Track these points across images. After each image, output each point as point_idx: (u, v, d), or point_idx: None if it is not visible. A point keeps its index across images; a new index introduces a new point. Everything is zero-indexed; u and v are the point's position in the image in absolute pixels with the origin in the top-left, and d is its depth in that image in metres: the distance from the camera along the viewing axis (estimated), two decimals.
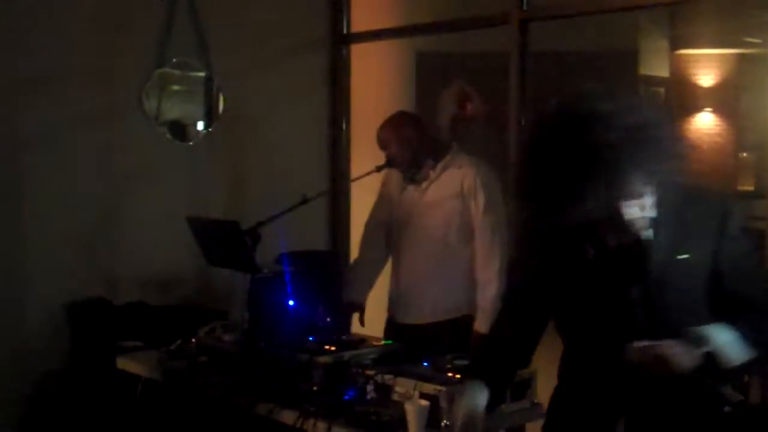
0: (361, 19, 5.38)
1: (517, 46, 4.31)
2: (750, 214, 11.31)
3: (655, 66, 11.59)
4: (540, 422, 3.12)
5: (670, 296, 2.03)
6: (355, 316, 4.21)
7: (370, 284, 4.23)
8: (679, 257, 2.02)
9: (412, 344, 3.54)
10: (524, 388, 3.07)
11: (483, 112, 6.12)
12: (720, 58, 11.85)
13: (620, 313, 2.07)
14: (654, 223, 2.02)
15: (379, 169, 4.04)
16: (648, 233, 2.01)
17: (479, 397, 2.25)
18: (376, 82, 5.67)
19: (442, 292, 3.98)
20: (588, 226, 1.98)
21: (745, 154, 12.85)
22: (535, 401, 3.08)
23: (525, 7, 4.35)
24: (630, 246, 2.02)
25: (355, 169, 5.03)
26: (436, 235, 3.98)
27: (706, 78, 11.85)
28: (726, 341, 1.98)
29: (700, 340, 1.96)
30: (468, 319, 3.94)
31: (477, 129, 6.31)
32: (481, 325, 3.85)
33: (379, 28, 5.22)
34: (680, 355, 1.95)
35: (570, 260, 2.12)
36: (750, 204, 12.02)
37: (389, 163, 3.99)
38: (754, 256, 2.13)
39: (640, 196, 1.94)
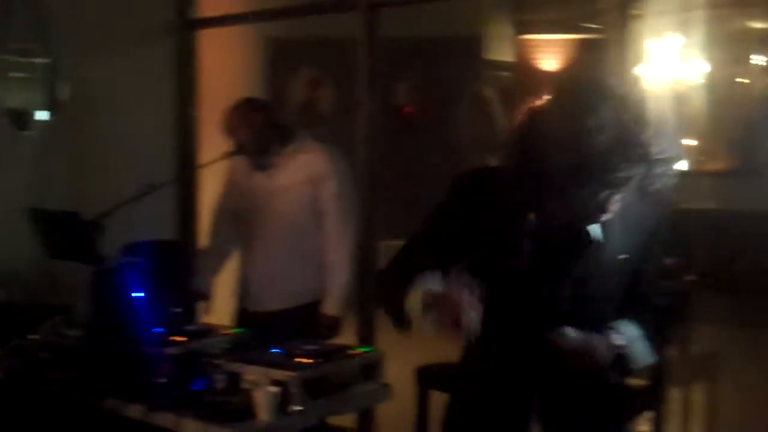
0: (211, 4, 5.29)
1: (365, 31, 4.34)
2: None
3: (501, 51, 11.87)
4: (389, 402, 3.21)
5: (599, 292, 2.07)
6: (203, 306, 4.16)
7: (215, 273, 4.19)
8: (619, 257, 2.07)
9: (264, 332, 3.54)
10: (373, 369, 3.12)
11: (332, 98, 6.15)
12: (563, 43, 12.27)
13: (546, 296, 2.08)
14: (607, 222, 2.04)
15: (228, 155, 4.00)
16: (596, 229, 2.03)
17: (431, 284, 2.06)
18: (227, 69, 5.61)
19: (294, 278, 3.98)
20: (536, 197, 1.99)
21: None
22: (383, 382, 3.14)
23: None
24: (571, 233, 2.04)
25: (207, 157, 4.95)
26: (287, 220, 3.98)
27: (550, 63, 12.26)
28: (636, 339, 2.07)
29: (619, 337, 2.04)
30: (318, 304, 3.97)
31: (326, 115, 6.34)
32: (330, 308, 3.88)
33: (227, 13, 5.14)
34: (603, 350, 2.02)
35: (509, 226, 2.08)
36: None
37: (239, 150, 3.95)
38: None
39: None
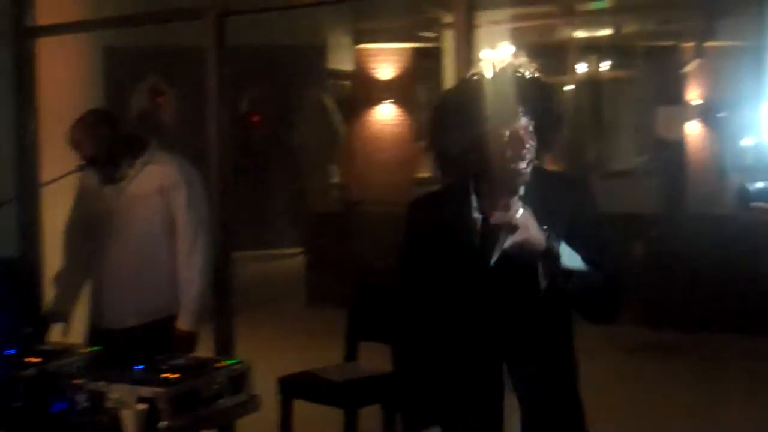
0: (50, 11, 5.09)
1: (214, 40, 4.29)
2: None
3: (341, 60, 12.03)
4: (258, 414, 3.19)
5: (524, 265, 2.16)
6: (60, 328, 3.99)
7: (73, 292, 4.03)
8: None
9: (119, 350, 3.44)
10: (241, 381, 3.09)
11: (174, 108, 6.04)
12: (398, 52, 12.52)
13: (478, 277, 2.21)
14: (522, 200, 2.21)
15: (77, 170, 3.85)
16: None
17: None
18: (67, 79, 5.41)
19: (148, 293, 3.88)
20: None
21: (422, 143, 13.72)
22: (252, 393, 3.12)
23: (221, 1, 4.34)
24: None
25: (49, 171, 4.75)
26: (139, 234, 3.87)
27: (386, 71, 12.48)
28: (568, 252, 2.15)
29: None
30: (174, 319, 3.89)
31: (170, 125, 6.22)
32: (185, 323, 3.80)
33: (66, 21, 4.97)
34: (534, 228, 2.10)
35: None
36: (428, 190, 12.86)
37: (89, 163, 3.82)
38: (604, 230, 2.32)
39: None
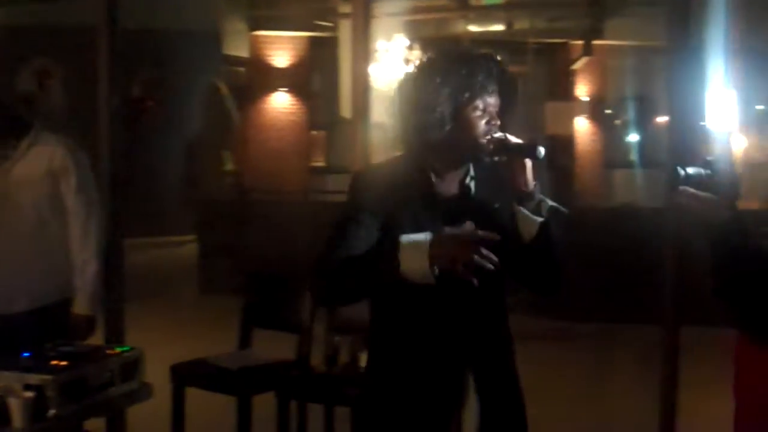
0: None
1: (105, 19, 4.18)
2: (322, 189, 12.15)
3: (237, 46, 11.88)
4: (151, 402, 3.15)
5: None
6: None
7: None
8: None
9: (10, 335, 3.34)
10: (133, 369, 3.04)
11: (61, 90, 5.86)
12: (294, 40, 12.46)
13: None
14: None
15: None
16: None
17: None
18: None
19: (38, 277, 3.76)
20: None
21: (315, 132, 13.72)
22: (144, 381, 3.07)
23: None
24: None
25: None
26: (27, 216, 3.75)
27: (281, 59, 12.40)
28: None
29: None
30: (67, 303, 3.79)
31: (55, 108, 6.03)
32: (82, 306, 3.72)
33: None
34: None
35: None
36: (323, 179, 12.89)
37: None
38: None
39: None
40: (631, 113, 13.87)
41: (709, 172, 1.83)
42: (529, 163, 2.18)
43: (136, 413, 3.91)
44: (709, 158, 1.84)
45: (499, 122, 2.19)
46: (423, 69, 2.22)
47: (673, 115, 3.60)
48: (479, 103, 2.16)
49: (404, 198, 2.18)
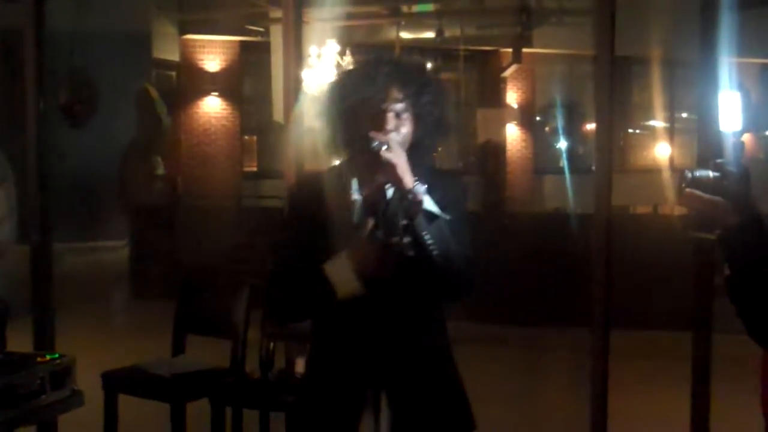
0: None
1: (33, 23, 4.10)
2: (254, 194, 12.09)
3: (166, 50, 11.75)
4: (83, 410, 3.10)
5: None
6: None
7: None
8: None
9: None
10: (64, 376, 3.00)
11: None
12: (225, 45, 12.38)
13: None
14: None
15: None
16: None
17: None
18: None
19: None
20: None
21: (247, 137, 13.64)
22: (76, 389, 3.03)
23: None
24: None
25: None
26: None
27: (212, 63, 12.30)
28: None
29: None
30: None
31: None
32: None
33: None
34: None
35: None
36: (255, 184, 12.81)
37: None
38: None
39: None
40: (560, 120, 14.10)
41: (717, 174, 1.73)
42: (398, 159, 2.10)
43: (67, 421, 3.85)
44: (718, 161, 1.78)
45: (402, 129, 2.18)
46: (337, 77, 2.32)
47: (700, 120, 3.73)
48: (369, 110, 2.16)
49: (327, 206, 2.23)
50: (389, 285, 2.18)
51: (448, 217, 2.17)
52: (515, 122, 14.03)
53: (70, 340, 4.16)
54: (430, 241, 2.11)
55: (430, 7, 11.35)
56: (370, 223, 2.15)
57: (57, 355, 3.08)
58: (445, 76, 13.62)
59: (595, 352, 3.66)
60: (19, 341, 3.79)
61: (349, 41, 10.45)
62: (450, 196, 2.25)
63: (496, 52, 13.53)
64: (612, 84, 3.59)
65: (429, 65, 2.37)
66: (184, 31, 11.48)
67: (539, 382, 6.18)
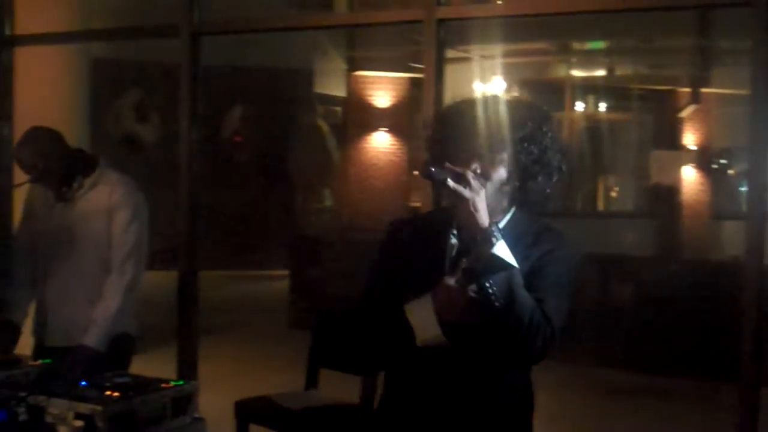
0: (29, 22, 5.10)
1: (188, 58, 4.28)
2: None
3: (332, 85, 12.04)
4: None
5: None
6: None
7: (24, 306, 3.97)
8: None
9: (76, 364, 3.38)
10: (185, 403, 3.04)
11: (157, 127, 6.00)
12: (395, 81, 12.53)
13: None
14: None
15: (28, 182, 3.80)
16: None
17: None
18: (51, 87, 5.39)
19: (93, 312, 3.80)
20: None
21: (416, 172, 13.74)
22: (197, 416, 3.07)
23: (196, 20, 4.33)
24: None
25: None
26: (87, 252, 3.78)
27: (382, 99, 12.49)
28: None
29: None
30: (125, 338, 3.82)
31: (150, 143, 6.17)
32: (91, 339, 3.70)
33: (46, 31, 4.96)
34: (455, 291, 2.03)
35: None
36: None
37: (40, 178, 3.76)
38: None
39: None
40: (740, 163, 13.44)
41: None
42: (471, 195, 2.00)
43: None
44: None
45: (475, 166, 2.07)
46: (444, 109, 2.26)
47: None
48: (458, 153, 2.09)
49: (422, 250, 2.17)
50: (468, 334, 2.07)
51: (516, 267, 2.00)
52: (692, 165, 13.46)
53: (224, 364, 4.23)
54: (491, 290, 1.98)
55: (601, 45, 11.10)
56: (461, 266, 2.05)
57: (182, 382, 3.13)
58: (618, 115, 13.28)
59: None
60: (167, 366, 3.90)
61: (516, 78, 10.38)
62: (545, 252, 2.12)
63: (672, 91, 13.06)
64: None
65: (536, 107, 2.22)
66: (353, 67, 11.72)
67: None
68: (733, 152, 13.80)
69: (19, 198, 4.17)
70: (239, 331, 8.28)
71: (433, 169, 2.02)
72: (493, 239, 1.99)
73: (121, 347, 3.76)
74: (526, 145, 2.11)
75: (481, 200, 2.01)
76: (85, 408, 2.76)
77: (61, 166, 3.73)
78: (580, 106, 12.64)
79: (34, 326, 3.90)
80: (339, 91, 11.73)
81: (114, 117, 6.11)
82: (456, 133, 2.12)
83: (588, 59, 11.94)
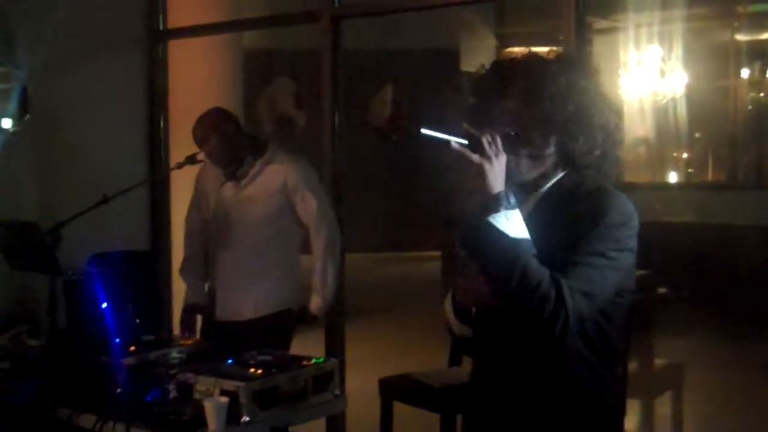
0: (181, 15, 5.32)
1: (329, 43, 4.35)
2: None
3: (479, 63, 11.90)
4: (360, 412, 3.22)
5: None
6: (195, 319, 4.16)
7: (202, 284, 4.18)
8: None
9: (234, 342, 3.55)
10: (327, 380, 3.12)
11: (306, 112, 6.14)
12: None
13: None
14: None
15: (190, 160, 3.98)
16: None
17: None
18: (202, 79, 5.60)
19: (264, 288, 3.98)
20: None
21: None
22: (337, 392, 3.14)
23: (336, 4, 4.40)
24: None
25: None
26: (257, 231, 3.97)
27: None
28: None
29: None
30: (288, 313, 3.98)
31: (300, 128, 6.31)
32: (317, 307, 3.95)
33: (195, 23, 5.16)
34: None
35: None
36: None
37: (212, 158, 3.94)
38: None
39: None
40: None
41: None
42: (482, 162, 1.87)
43: (352, 420, 4.05)
44: None
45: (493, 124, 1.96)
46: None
47: None
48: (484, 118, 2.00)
49: None
50: (491, 320, 1.98)
51: (522, 237, 1.85)
52: None
53: (369, 345, 4.31)
54: (488, 258, 1.86)
55: (766, 7, 10.51)
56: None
57: (322, 359, 3.21)
58: None
59: None
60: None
61: (674, 45, 9.98)
62: (584, 218, 1.90)
63: None
64: None
65: (574, 61, 2.05)
66: (505, 44, 11.57)
67: None
68: None
69: (185, 185, 4.38)
70: (391, 312, 8.38)
71: (422, 129, 1.88)
72: (503, 208, 1.86)
73: (284, 323, 3.93)
74: (557, 102, 1.94)
75: (491, 166, 1.87)
76: (229, 385, 2.88)
77: (232, 145, 3.90)
78: (745, 73, 11.99)
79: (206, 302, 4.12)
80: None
81: (268, 103, 6.27)
82: (479, 99, 2.04)
83: (754, 22, 11.31)
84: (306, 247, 4.03)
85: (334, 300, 4.05)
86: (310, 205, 3.92)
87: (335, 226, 4.00)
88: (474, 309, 2.05)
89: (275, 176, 3.94)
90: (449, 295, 2.08)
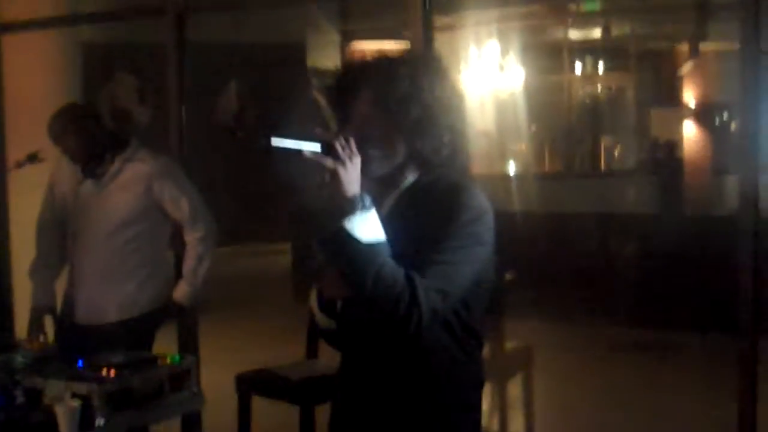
0: (16, 8, 5.09)
1: (174, 38, 4.27)
2: None
3: (327, 58, 11.97)
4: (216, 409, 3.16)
5: None
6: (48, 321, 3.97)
7: (53, 285, 4.00)
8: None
9: (95, 345, 3.41)
10: (183, 378, 3.07)
11: (151, 108, 5.98)
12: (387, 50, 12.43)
13: None
14: None
15: (32, 159, 3.81)
16: None
17: None
18: (37, 74, 5.38)
19: (130, 290, 3.82)
20: None
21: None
22: (195, 390, 3.10)
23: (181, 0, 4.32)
24: None
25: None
26: (119, 231, 3.80)
27: None
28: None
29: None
30: (155, 313, 3.87)
31: (143, 125, 6.15)
32: (182, 295, 3.86)
33: (32, 18, 4.95)
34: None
35: None
36: None
37: (73, 157, 3.78)
38: None
39: None
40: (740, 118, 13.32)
41: None
42: (336, 167, 1.88)
43: (209, 416, 3.99)
44: None
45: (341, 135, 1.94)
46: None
47: None
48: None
49: None
50: (350, 314, 2.05)
51: (374, 240, 1.88)
52: (692, 121, 13.39)
53: (229, 339, 4.25)
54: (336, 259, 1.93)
55: (596, 6, 11.02)
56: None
57: (178, 358, 3.15)
58: (617, 75, 13.19)
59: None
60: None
61: (512, 42, 10.31)
62: (437, 216, 1.94)
63: (670, 49, 12.97)
64: (758, 78, 3.37)
65: (417, 61, 2.08)
66: (349, 38, 11.65)
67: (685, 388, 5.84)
68: (733, 107, 13.70)
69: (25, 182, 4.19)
70: (244, 306, 8.32)
71: (273, 139, 1.87)
72: (358, 211, 1.89)
73: (152, 322, 3.83)
74: (403, 105, 1.96)
75: (346, 170, 1.89)
76: (81, 388, 2.79)
77: (92, 141, 3.75)
78: (578, 68, 12.57)
79: (63, 305, 3.93)
80: (332, 63, 11.66)
81: (108, 99, 6.07)
82: (332, 101, 2.06)
83: (585, 20, 11.86)
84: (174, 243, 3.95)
85: (200, 290, 3.94)
86: (180, 205, 3.81)
87: (210, 219, 3.89)
88: (339, 303, 2.07)
89: (137, 174, 3.80)
90: (315, 290, 2.10)
